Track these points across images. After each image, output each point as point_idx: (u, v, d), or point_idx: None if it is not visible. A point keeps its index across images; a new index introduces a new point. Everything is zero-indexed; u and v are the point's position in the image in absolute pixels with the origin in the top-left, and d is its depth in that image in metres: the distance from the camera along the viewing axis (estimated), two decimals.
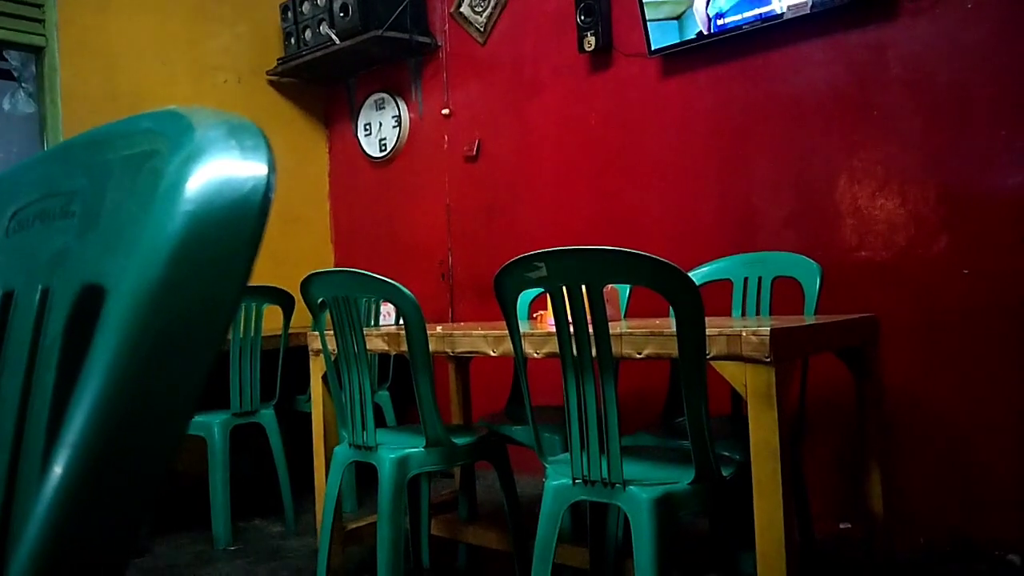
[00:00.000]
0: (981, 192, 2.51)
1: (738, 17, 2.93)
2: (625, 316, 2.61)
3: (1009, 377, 2.45)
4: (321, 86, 4.66)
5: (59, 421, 0.34)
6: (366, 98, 4.45)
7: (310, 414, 2.62)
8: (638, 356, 1.77)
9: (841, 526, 2.79)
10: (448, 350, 2.20)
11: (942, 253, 2.59)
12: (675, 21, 3.09)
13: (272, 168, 0.36)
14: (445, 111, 4.08)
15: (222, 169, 0.35)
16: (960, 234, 2.55)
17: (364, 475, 3.17)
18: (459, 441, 2.26)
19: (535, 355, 1.95)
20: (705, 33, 3.02)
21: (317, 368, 2.55)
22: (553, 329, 1.77)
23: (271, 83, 4.46)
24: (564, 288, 1.67)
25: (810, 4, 2.75)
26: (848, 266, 2.76)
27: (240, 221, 0.33)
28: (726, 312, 2.57)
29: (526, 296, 2.84)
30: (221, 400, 3.05)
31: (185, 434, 0.33)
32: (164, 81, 4.03)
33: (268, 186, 0.35)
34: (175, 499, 3.36)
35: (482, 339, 2.11)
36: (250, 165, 0.36)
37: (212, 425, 2.99)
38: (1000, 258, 2.47)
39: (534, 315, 2.72)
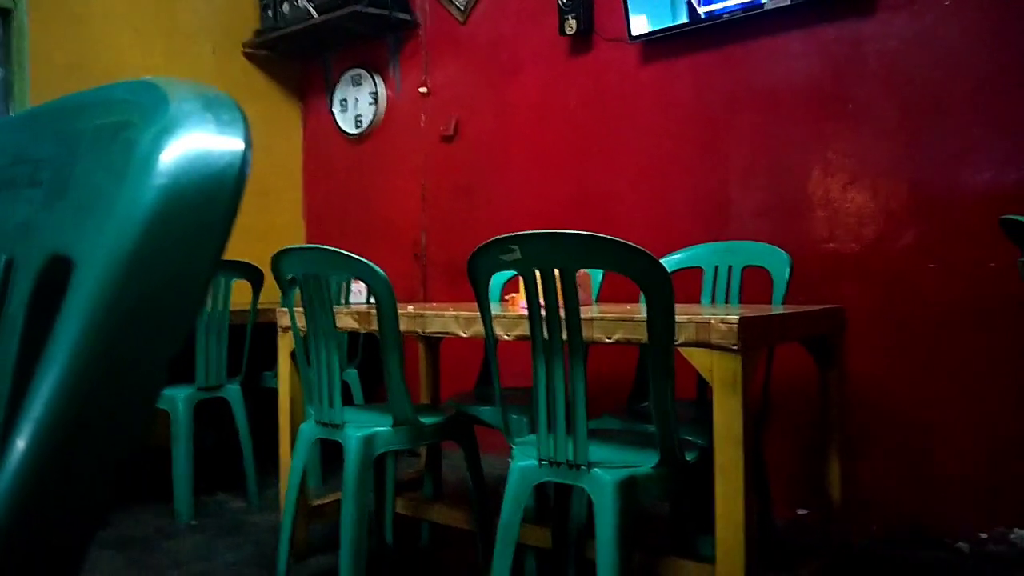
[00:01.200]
0: (950, 188, 2.55)
1: (721, 5, 2.94)
2: (596, 301, 2.63)
3: (969, 371, 2.51)
4: (297, 60, 4.59)
5: (22, 394, 0.33)
6: (343, 73, 4.39)
7: (276, 390, 2.61)
8: (608, 341, 1.79)
9: (799, 512, 2.84)
10: (419, 330, 2.19)
11: (910, 247, 2.63)
12: (666, 3, 3.09)
13: (249, 144, 0.36)
14: (423, 89, 4.04)
15: (197, 143, 0.34)
16: (928, 229, 2.60)
17: (329, 452, 3.17)
18: (427, 421, 2.26)
19: (506, 337, 1.96)
20: (688, 21, 3.02)
21: (285, 345, 2.54)
22: (525, 312, 1.78)
23: (246, 55, 4.39)
24: (537, 271, 1.67)
25: None
26: (817, 257, 2.80)
27: (214, 197, 0.33)
28: (696, 299, 2.59)
29: (499, 278, 2.84)
30: (186, 374, 3.02)
31: (154, 410, 0.33)
32: (137, 49, 3.94)
33: (244, 162, 0.35)
34: (137, 471, 3.33)
35: (453, 320, 2.11)
36: (226, 140, 0.35)
37: (176, 399, 2.96)
38: (966, 254, 2.51)
39: (506, 297, 2.72)
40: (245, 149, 0.36)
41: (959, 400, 2.53)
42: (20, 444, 0.31)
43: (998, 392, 2.45)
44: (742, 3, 2.88)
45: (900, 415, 2.65)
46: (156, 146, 0.34)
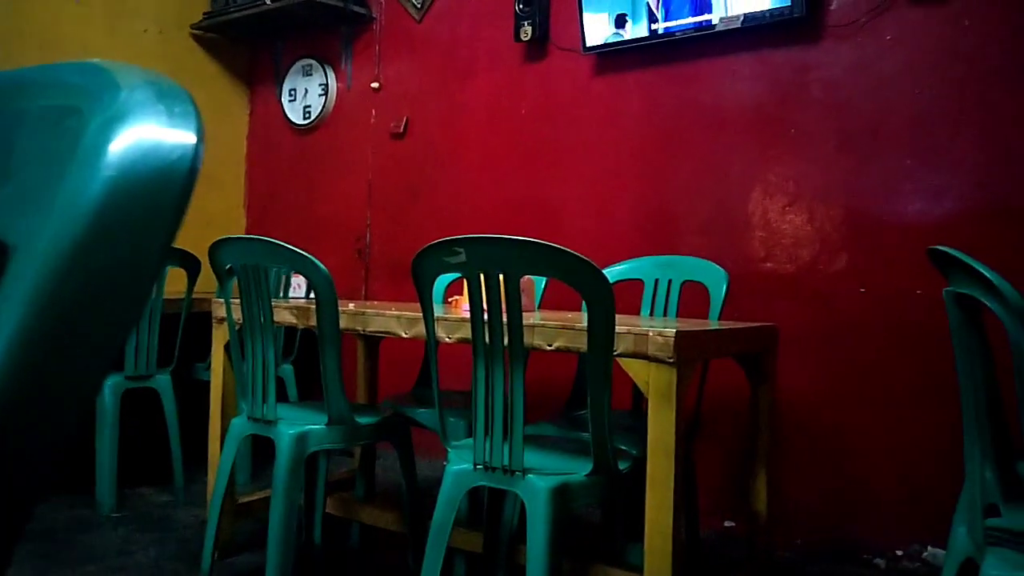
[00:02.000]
0: (883, 217, 2.65)
1: (674, 23, 2.99)
2: (539, 307, 2.64)
3: (892, 394, 2.60)
4: (247, 45, 4.50)
5: None
6: (293, 63, 4.33)
7: (208, 383, 2.55)
8: (548, 348, 1.80)
9: (726, 524, 2.90)
10: (359, 328, 2.17)
11: (842, 271, 2.71)
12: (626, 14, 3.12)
13: (201, 138, 0.35)
14: (375, 84, 4.01)
15: (148, 135, 0.34)
16: (860, 254, 2.69)
17: (260, 448, 3.11)
18: (362, 420, 2.24)
19: (447, 339, 1.95)
20: (647, 35, 3.05)
21: (220, 336, 2.48)
22: (467, 315, 1.78)
23: (194, 37, 4.29)
24: (482, 275, 1.68)
25: (742, 19, 2.83)
26: (754, 275, 2.86)
27: (164, 191, 0.32)
28: (635, 311, 2.63)
29: (443, 280, 2.83)
30: (114, 362, 2.93)
31: (92, 403, 0.32)
32: (77, 23, 3.81)
33: (195, 156, 0.34)
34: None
35: (395, 320, 2.09)
36: (178, 133, 0.35)
37: (103, 387, 2.87)
38: (895, 281, 2.61)
39: (449, 299, 2.72)
40: (197, 143, 0.35)
41: (880, 421, 2.62)
42: None
43: (917, 415, 2.55)
44: (694, 22, 2.94)
45: (825, 432, 2.73)
46: (104, 136, 0.33)
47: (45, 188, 0.34)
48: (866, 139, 2.68)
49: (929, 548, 2.53)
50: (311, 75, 4.25)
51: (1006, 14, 2.45)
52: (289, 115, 4.35)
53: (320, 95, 4.21)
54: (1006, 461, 1.35)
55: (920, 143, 2.58)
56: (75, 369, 0.31)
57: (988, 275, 1.19)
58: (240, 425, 2.25)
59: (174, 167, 0.33)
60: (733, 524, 2.89)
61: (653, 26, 3.03)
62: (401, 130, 3.90)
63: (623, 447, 1.97)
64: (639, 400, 2.55)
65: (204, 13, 4.21)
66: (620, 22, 3.11)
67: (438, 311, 2.07)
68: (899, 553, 2.57)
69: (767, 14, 2.78)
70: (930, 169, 2.56)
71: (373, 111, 4.03)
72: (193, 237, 2.88)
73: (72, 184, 0.32)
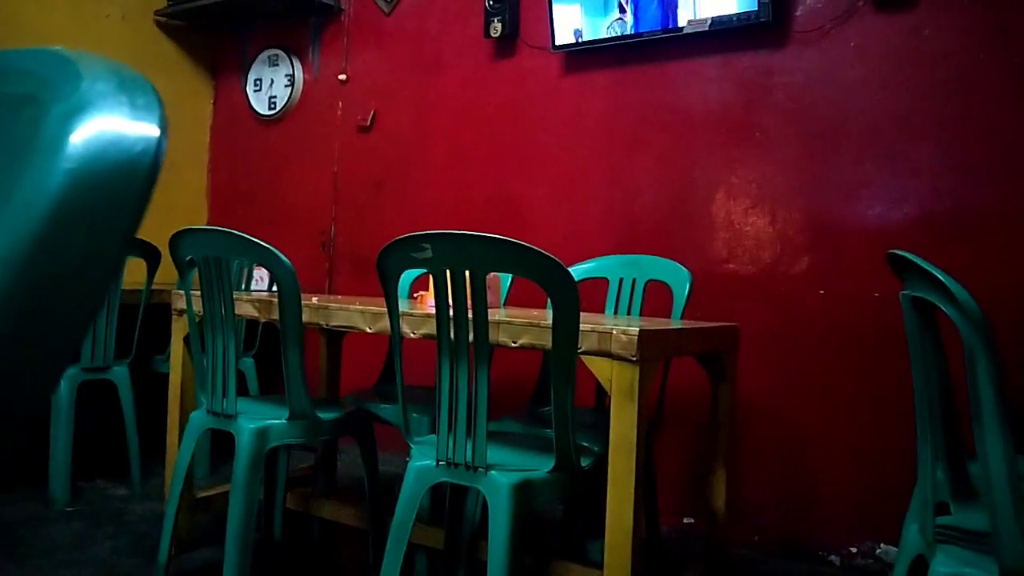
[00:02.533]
0: (842, 220, 2.69)
1: (643, 25, 3.00)
2: (504, 304, 2.65)
3: (848, 393, 2.65)
4: (212, 34, 4.43)
5: None
6: (259, 52, 4.27)
7: (167, 375, 2.51)
8: (513, 345, 1.80)
9: (685, 521, 2.94)
10: (322, 322, 2.16)
11: (802, 273, 2.76)
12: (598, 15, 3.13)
13: (164, 131, 0.35)
14: (342, 77, 3.97)
15: (110, 126, 0.33)
16: (820, 257, 2.73)
17: (220, 442, 3.07)
18: (324, 416, 2.22)
19: (411, 335, 1.95)
20: (615, 35, 3.07)
21: (179, 329, 2.45)
22: (432, 311, 1.77)
23: (158, 23, 4.20)
24: (448, 271, 1.67)
25: (709, 22, 2.86)
26: (716, 276, 2.90)
27: (126, 185, 0.31)
28: (600, 309, 2.64)
29: (408, 275, 2.82)
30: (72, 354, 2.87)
31: (49, 400, 0.31)
32: (37, 6, 3.71)
33: (159, 150, 0.34)
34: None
35: (359, 314, 2.08)
36: (140, 125, 0.34)
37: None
38: (853, 283, 2.66)
39: (414, 295, 2.71)
40: (160, 136, 0.35)
41: (837, 421, 2.67)
42: None
43: (872, 416, 2.60)
44: (662, 25, 2.96)
45: (784, 431, 2.78)
46: (65, 127, 0.32)
47: (2, 179, 0.33)
48: (828, 144, 2.72)
49: (882, 545, 2.58)
50: (277, 65, 4.20)
51: (965, 24, 2.51)
52: (254, 105, 4.29)
53: (286, 86, 4.16)
54: (957, 461, 1.38)
55: (880, 149, 2.63)
56: (32, 364, 0.30)
57: (943, 279, 1.22)
58: (199, 419, 2.22)
59: (136, 161, 0.33)
60: (692, 521, 2.92)
61: (621, 27, 3.04)
62: (368, 123, 3.88)
63: (585, 444, 1.98)
64: (602, 397, 2.57)
65: (169, 0, 4.14)
66: (589, 21, 3.12)
67: (403, 307, 2.06)
68: (853, 550, 2.63)
69: (734, 18, 2.81)
70: (890, 175, 2.61)
71: (340, 103, 3.99)
72: (154, 227, 2.83)
73: (31, 176, 0.31)
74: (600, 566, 1.75)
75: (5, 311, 0.30)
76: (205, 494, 2.52)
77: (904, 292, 1.42)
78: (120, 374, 2.99)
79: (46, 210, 0.30)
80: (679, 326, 2.04)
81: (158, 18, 4.18)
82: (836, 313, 2.68)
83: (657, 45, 3.04)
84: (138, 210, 0.32)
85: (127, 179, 0.32)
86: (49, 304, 0.31)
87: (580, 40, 3.15)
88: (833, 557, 2.66)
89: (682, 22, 2.91)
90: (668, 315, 2.50)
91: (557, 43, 3.21)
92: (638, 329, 1.68)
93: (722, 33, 2.88)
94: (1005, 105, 2.44)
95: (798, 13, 2.78)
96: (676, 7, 2.91)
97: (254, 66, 4.29)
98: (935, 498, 1.36)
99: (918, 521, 1.44)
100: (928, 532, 1.36)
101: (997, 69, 2.46)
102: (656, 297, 2.58)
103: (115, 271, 0.32)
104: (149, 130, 0.35)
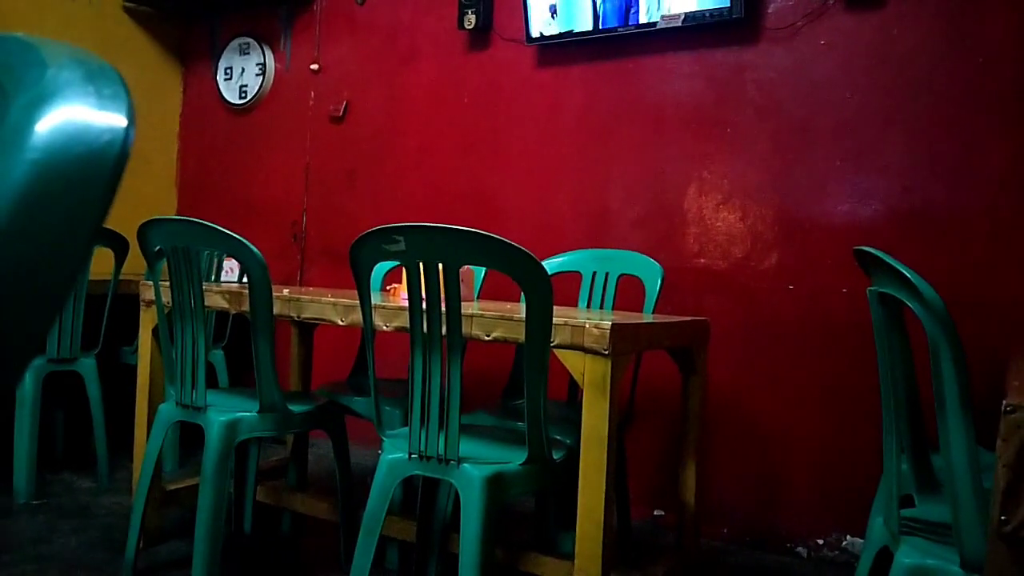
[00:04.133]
0: (811, 217, 2.73)
1: (616, 20, 3.01)
2: (478, 297, 2.64)
3: (816, 387, 2.69)
4: (182, 21, 4.36)
5: None
6: (230, 40, 4.21)
7: (135, 367, 2.48)
8: (486, 338, 1.80)
9: (656, 513, 2.97)
10: (293, 314, 2.14)
11: (772, 268, 2.79)
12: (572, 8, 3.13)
13: (132, 122, 0.34)
14: (314, 66, 3.94)
15: (76, 116, 0.32)
16: (789, 253, 2.76)
17: (189, 435, 3.04)
18: (295, 408, 2.21)
19: (384, 328, 1.94)
20: (591, 29, 3.07)
21: (148, 320, 2.41)
22: (405, 304, 1.77)
23: (127, 9, 4.13)
24: (421, 264, 1.67)
25: (682, 17, 2.87)
26: (688, 270, 2.92)
27: (92, 176, 0.31)
28: (573, 303, 2.65)
29: (381, 268, 2.81)
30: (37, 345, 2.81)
31: (13, 392, 0.31)
32: None
33: (126, 141, 0.33)
34: None
35: (331, 307, 2.07)
36: (107, 116, 0.33)
37: None
38: (821, 279, 2.69)
39: (387, 287, 2.70)
40: (128, 127, 0.34)
41: (805, 414, 2.71)
42: None
43: (840, 409, 2.64)
44: (637, 20, 2.96)
45: (753, 424, 2.81)
46: (30, 116, 0.32)
47: None
48: (798, 140, 2.75)
49: (848, 537, 2.63)
50: (248, 54, 4.15)
51: (932, 25, 2.55)
52: (224, 94, 4.24)
53: (257, 75, 4.12)
54: (921, 454, 1.41)
55: (849, 146, 2.67)
56: None
57: (909, 275, 1.24)
58: (168, 411, 2.19)
59: (103, 152, 0.32)
60: (663, 513, 2.95)
61: (595, 21, 3.05)
62: (340, 114, 3.84)
63: (558, 437, 1.99)
64: (575, 391, 2.58)
65: None
66: (562, 14, 3.11)
67: (376, 299, 2.05)
68: (820, 542, 2.67)
69: (707, 14, 2.83)
70: (858, 172, 2.65)
71: (312, 93, 3.96)
72: (122, 217, 2.79)
73: None
74: (571, 558, 1.76)
75: None
76: (174, 487, 2.50)
77: (871, 288, 1.44)
78: (87, 365, 2.95)
79: (11, 201, 0.29)
80: (651, 320, 2.06)
81: (126, 4, 4.11)
82: (805, 308, 2.72)
83: (631, 40, 3.05)
84: (105, 201, 0.31)
85: (94, 170, 0.31)
86: (14, 295, 0.30)
87: (555, 33, 3.15)
88: (801, 549, 2.70)
89: (656, 17, 2.92)
90: (640, 309, 2.52)
91: (531, 36, 3.20)
92: (610, 323, 1.69)
93: (695, 29, 2.90)
94: (968, 104, 2.49)
95: (770, 10, 2.80)
96: (651, 2, 2.92)
97: (224, 54, 4.23)
98: (900, 490, 1.39)
99: (883, 513, 1.47)
100: (893, 524, 1.38)
101: (962, 68, 2.50)
102: (628, 291, 2.60)
103: (82, 262, 0.32)
104: (116, 120, 0.34)
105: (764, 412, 2.79)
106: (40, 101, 0.33)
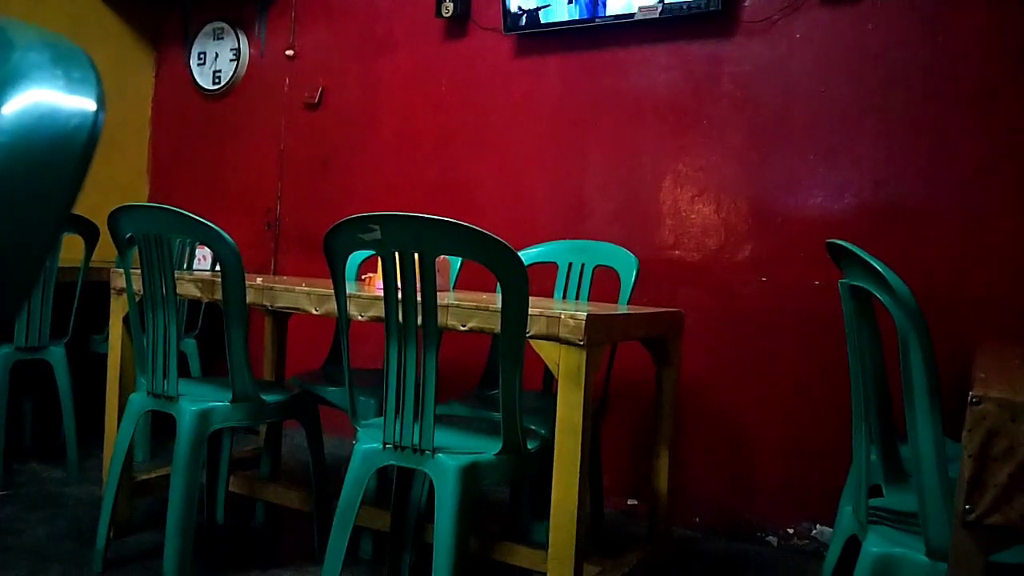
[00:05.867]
0: (784, 209, 2.75)
1: (593, 10, 3.01)
2: (453, 287, 2.64)
3: (788, 378, 2.72)
4: (154, 4, 4.29)
5: None
6: (204, 25, 4.15)
7: (105, 356, 2.45)
8: (462, 328, 1.80)
9: (630, 502, 2.99)
10: (267, 304, 2.12)
11: (745, 260, 2.81)
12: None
13: (101, 105, 0.33)
14: (289, 52, 3.89)
15: (43, 99, 0.32)
16: (763, 245, 2.79)
17: (160, 424, 3.01)
18: (269, 398, 2.19)
19: (359, 318, 1.93)
20: (569, 19, 3.06)
21: (118, 308, 2.38)
22: (381, 293, 1.76)
23: None
24: (397, 253, 1.66)
25: (660, 9, 2.88)
26: (662, 262, 2.94)
27: (60, 161, 0.30)
28: (549, 294, 2.66)
29: (356, 257, 2.79)
30: (3, 332, 2.77)
31: None
32: None
33: (95, 125, 0.32)
34: None
35: (305, 296, 2.05)
36: (76, 99, 0.33)
37: None
38: (794, 271, 2.72)
39: (362, 277, 2.68)
40: (97, 111, 0.33)
41: (776, 404, 2.74)
42: None
43: (810, 399, 2.68)
44: (615, 11, 2.96)
45: (725, 414, 2.84)
46: None
47: None
48: (773, 134, 2.77)
49: (818, 526, 2.67)
50: (222, 39, 4.09)
51: (907, 19, 2.57)
52: (198, 79, 4.18)
53: (231, 60, 4.06)
54: (889, 445, 1.43)
55: (823, 140, 2.69)
56: None
57: (879, 268, 1.25)
58: (139, 401, 2.17)
59: (72, 136, 0.31)
60: (636, 502, 2.97)
61: (573, 11, 3.04)
62: (316, 100, 3.81)
63: (532, 427, 2.00)
64: (550, 381, 2.59)
65: None
66: (539, 3, 3.11)
67: (351, 288, 2.04)
68: (790, 531, 2.71)
69: (684, 6, 2.83)
70: (831, 165, 2.68)
71: (287, 79, 3.91)
72: (92, 203, 2.76)
73: None
74: (545, 547, 1.77)
75: None
76: (145, 477, 2.47)
77: (842, 280, 1.46)
78: (56, 354, 2.90)
79: None
80: (626, 311, 2.07)
81: None
82: (777, 300, 2.75)
83: (608, 31, 3.05)
84: (74, 186, 0.31)
85: (62, 154, 0.31)
86: None
87: (532, 22, 3.14)
88: (771, 537, 2.73)
89: (634, 8, 2.92)
90: (615, 300, 2.53)
91: (509, 25, 3.19)
92: (586, 314, 1.69)
93: (672, 21, 2.91)
94: (941, 98, 2.52)
95: (747, 3, 2.81)
96: None
97: (198, 39, 4.17)
98: (869, 480, 1.41)
99: (852, 502, 1.49)
100: (861, 513, 1.40)
101: (936, 64, 2.53)
102: (604, 282, 2.61)
103: (50, 248, 0.31)
104: (85, 104, 0.33)
105: (736, 403, 2.81)
106: (7, 83, 0.32)
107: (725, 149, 2.86)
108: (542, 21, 3.12)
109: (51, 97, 0.32)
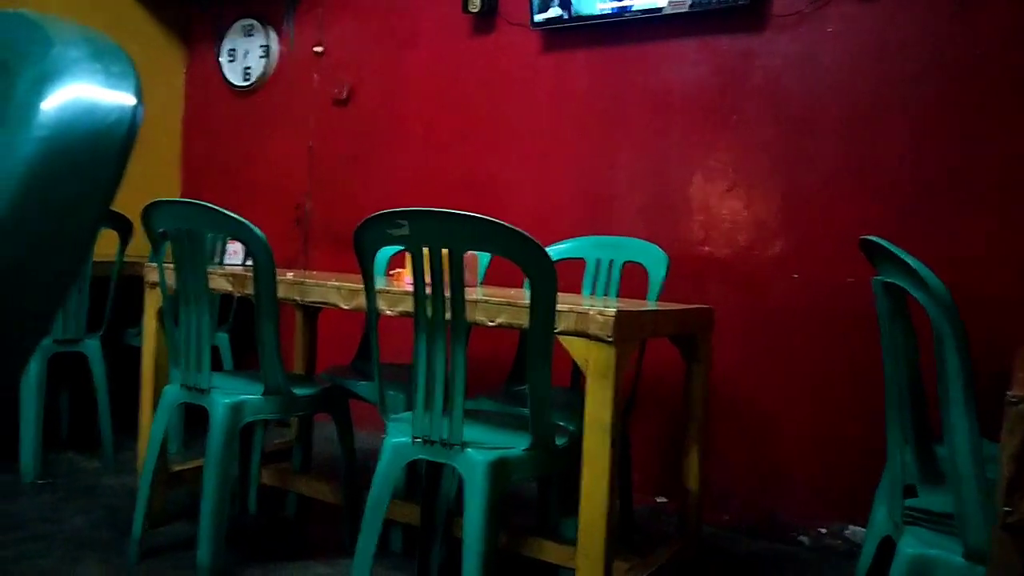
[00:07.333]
0: (816, 205, 2.71)
1: (623, 3, 2.99)
2: (481, 283, 2.64)
3: (820, 377, 2.69)
4: (185, 2, 4.34)
5: None
6: (234, 22, 4.19)
7: (140, 349, 2.48)
8: (490, 324, 1.80)
9: (658, 499, 2.97)
10: (298, 298, 2.14)
11: (776, 256, 2.78)
12: None
13: (140, 100, 0.34)
14: (318, 48, 3.92)
15: (84, 94, 0.32)
16: (795, 241, 2.75)
17: (194, 417, 3.05)
18: (299, 392, 2.21)
19: (388, 312, 1.94)
20: (595, 13, 3.05)
21: (152, 302, 2.42)
22: (410, 288, 1.77)
23: None
24: (425, 249, 1.67)
25: (689, 3, 2.85)
26: (692, 258, 2.91)
27: (101, 155, 0.31)
28: (577, 290, 2.65)
29: (385, 252, 2.81)
30: (49, 323, 2.82)
31: (21, 372, 0.30)
32: None
33: (134, 119, 0.33)
34: None
35: (335, 291, 2.07)
36: (115, 94, 0.33)
37: None
38: (825, 268, 2.68)
39: (391, 272, 2.69)
40: (136, 105, 0.34)
41: (809, 403, 2.71)
42: None
43: (843, 398, 2.64)
44: (643, 5, 2.94)
45: (756, 413, 2.81)
46: (37, 93, 0.31)
47: None
48: (804, 129, 2.74)
49: (851, 527, 2.63)
50: (252, 35, 4.13)
51: (935, 15, 2.52)
52: (228, 76, 4.22)
53: (261, 57, 4.10)
54: (924, 445, 1.41)
55: (854, 135, 2.65)
56: (4, 340, 0.29)
57: (914, 265, 1.23)
58: (173, 393, 2.20)
59: (112, 130, 0.32)
60: (665, 500, 2.95)
61: (601, 6, 3.03)
62: (344, 96, 3.83)
63: (561, 423, 1.99)
64: (578, 377, 2.58)
65: None
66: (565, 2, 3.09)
67: (380, 283, 2.05)
68: (823, 531, 2.68)
69: (714, 0, 2.81)
70: (863, 160, 2.63)
71: (316, 76, 3.94)
72: (126, 199, 2.80)
73: (2, 144, 0.30)
74: (574, 543, 1.76)
75: None
76: (179, 468, 2.51)
77: (876, 278, 1.44)
78: (92, 347, 2.96)
79: (19, 179, 0.29)
80: (655, 308, 2.05)
81: None
82: (809, 297, 2.71)
83: (637, 25, 3.03)
84: (114, 179, 0.31)
85: (102, 148, 0.31)
86: (23, 276, 0.30)
87: (560, 17, 3.13)
88: (803, 537, 2.70)
89: (662, 2, 2.89)
90: (644, 296, 2.51)
91: (536, 20, 3.18)
92: (615, 310, 1.68)
93: (701, 15, 2.88)
94: (972, 95, 2.46)
95: None
96: None
97: (228, 36, 4.21)
98: (903, 480, 1.39)
99: (886, 503, 1.47)
100: (896, 514, 1.38)
101: (964, 58, 2.47)
102: (632, 278, 2.59)
103: (90, 242, 0.31)
104: (124, 99, 0.34)
105: (767, 401, 2.79)
106: (47, 78, 0.32)
107: (755, 144, 2.82)
108: (570, 15, 3.10)
109: (91, 92, 0.33)
